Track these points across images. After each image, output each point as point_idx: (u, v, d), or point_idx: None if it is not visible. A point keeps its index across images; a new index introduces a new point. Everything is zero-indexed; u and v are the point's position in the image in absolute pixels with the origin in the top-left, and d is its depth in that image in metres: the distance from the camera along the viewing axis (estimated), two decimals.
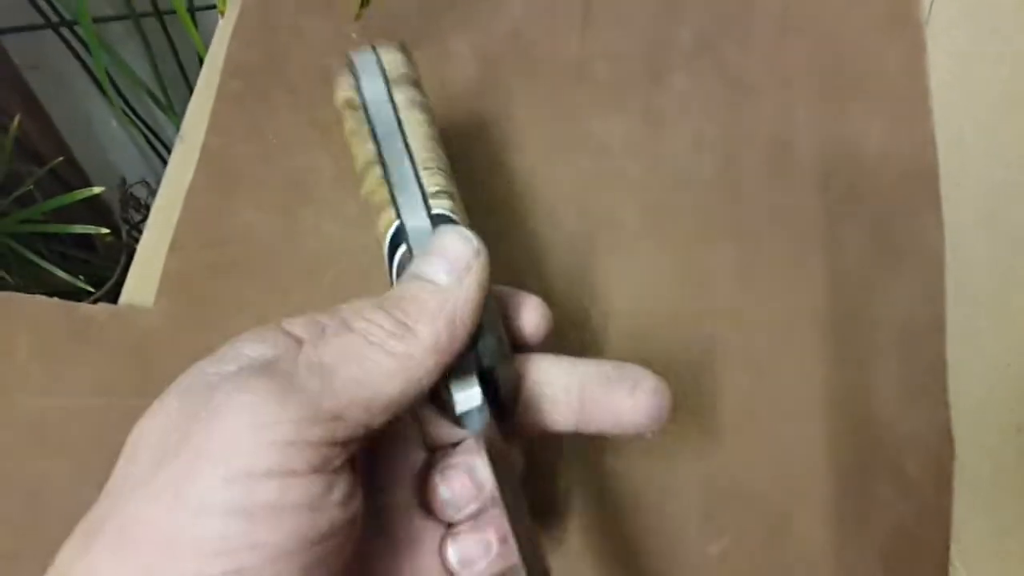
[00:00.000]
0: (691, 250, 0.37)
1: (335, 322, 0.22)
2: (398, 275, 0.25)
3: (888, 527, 0.32)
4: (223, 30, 0.44)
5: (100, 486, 0.32)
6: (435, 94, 0.41)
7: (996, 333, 0.35)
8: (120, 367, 0.35)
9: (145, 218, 0.69)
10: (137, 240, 0.39)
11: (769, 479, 0.33)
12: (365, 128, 0.27)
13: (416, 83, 0.29)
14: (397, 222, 0.26)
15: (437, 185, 0.26)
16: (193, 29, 0.44)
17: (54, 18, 0.67)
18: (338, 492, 0.20)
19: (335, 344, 0.21)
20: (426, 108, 0.28)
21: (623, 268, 0.37)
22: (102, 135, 0.86)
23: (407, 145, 0.27)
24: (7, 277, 0.61)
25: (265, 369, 0.20)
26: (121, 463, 0.21)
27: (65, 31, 0.69)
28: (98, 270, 0.70)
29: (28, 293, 0.36)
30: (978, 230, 0.37)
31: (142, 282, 0.37)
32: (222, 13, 0.42)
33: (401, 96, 0.28)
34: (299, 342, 0.22)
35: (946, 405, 0.34)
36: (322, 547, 0.19)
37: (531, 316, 0.25)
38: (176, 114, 0.64)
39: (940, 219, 0.37)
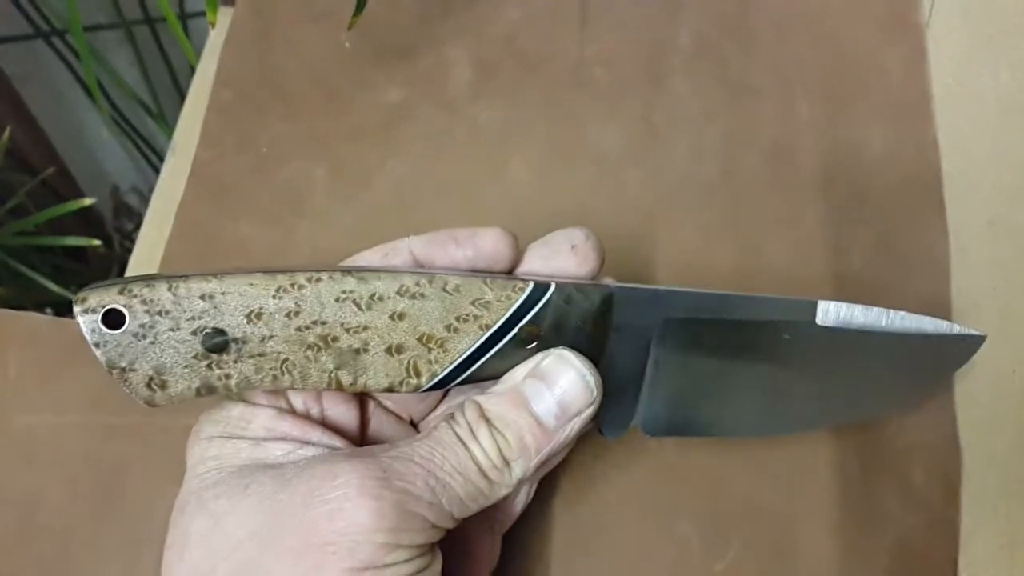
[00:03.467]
0: (692, 255, 0.37)
1: (449, 432, 0.23)
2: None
3: (895, 539, 0.32)
4: (215, 39, 0.43)
5: (91, 502, 0.32)
6: (432, 101, 0.41)
7: (1002, 339, 0.35)
8: (111, 384, 0.34)
9: (138, 227, 0.68)
10: (129, 251, 0.39)
11: (774, 492, 0.32)
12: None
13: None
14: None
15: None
16: (184, 37, 0.44)
17: (44, 27, 0.67)
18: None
19: (450, 459, 0.23)
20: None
21: (623, 275, 0.37)
22: (93, 144, 0.85)
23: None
24: None
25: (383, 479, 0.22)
26: None
27: (56, 40, 0.68)
28: (90, 281, 0.70)
29: (20, 305, 0.36)
30: (982, 234, 0.37)
31: None
32: (212, 24, 0.41)
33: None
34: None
35: (952, 413, 0.34)
36: None
37: (487, 243, 0.26)
38: (167, 123, 0.64)
39: (944, 223, 0.37)
